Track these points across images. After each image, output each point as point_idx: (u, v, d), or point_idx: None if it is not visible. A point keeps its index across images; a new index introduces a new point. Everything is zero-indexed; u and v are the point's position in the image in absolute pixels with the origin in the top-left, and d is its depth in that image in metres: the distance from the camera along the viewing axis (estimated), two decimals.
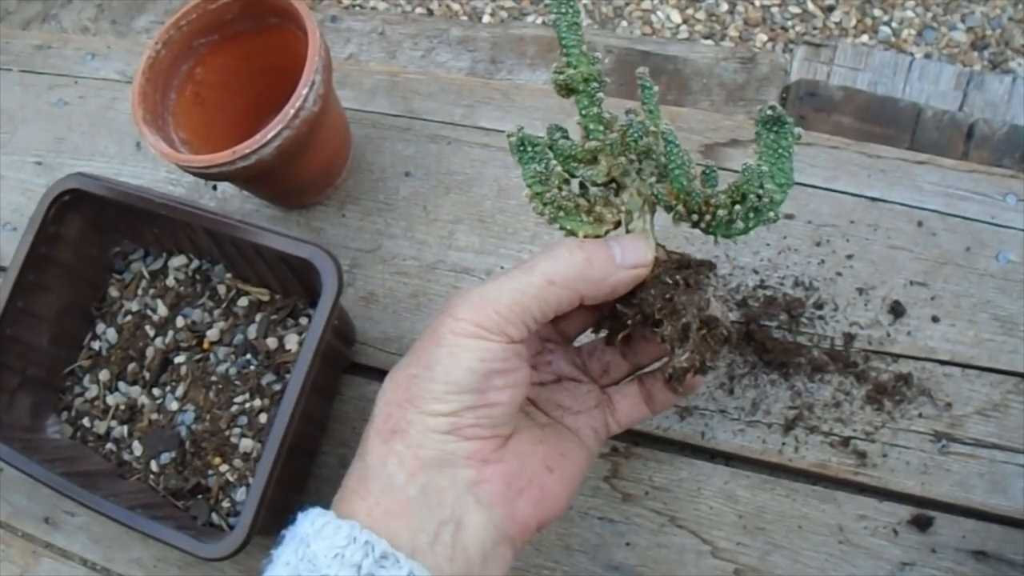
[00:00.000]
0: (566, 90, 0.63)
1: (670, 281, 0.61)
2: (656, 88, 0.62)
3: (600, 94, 0.62)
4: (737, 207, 0.60)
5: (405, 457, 0.55)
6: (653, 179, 0.62)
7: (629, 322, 0.63)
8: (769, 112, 0.59)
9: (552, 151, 0.62)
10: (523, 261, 0.59)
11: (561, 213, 0.62)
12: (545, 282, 0.57)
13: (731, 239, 0.63)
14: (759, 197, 0.59)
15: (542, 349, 0.69)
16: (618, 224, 0.63)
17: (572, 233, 0.62)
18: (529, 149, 0.62)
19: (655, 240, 0.62)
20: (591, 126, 0.62)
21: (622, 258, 0.59)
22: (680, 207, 0.62)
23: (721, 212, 0.61)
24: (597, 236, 0.62)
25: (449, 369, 0.55)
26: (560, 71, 0.62)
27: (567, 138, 0.63)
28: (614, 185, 0.63)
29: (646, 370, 0.71)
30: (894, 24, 2.07)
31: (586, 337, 0.71)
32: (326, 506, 0.85)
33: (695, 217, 0.62)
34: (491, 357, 0.56)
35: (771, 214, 0.61)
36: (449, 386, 0.55)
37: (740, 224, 0.61)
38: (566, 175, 0.63)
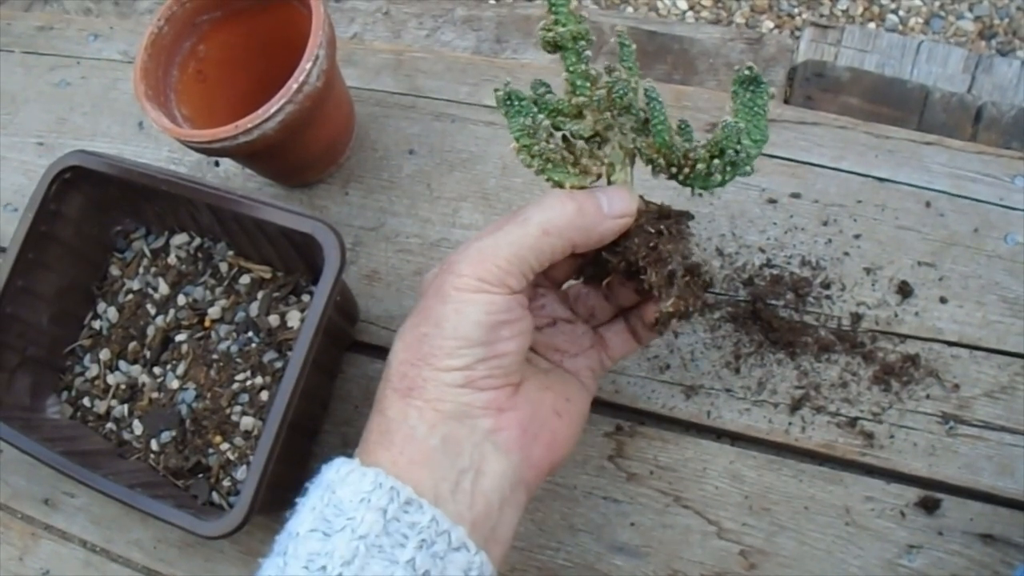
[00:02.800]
0: (553, 47, 0.64)
1: (652, 231, 0.64)
2: (633, 46, 0.65)
3: (588, 52, 0.64)
4: (715, 161, 0.64)
5: (425, 411, 0.57)
6: (633, 134, 0.65)
7: (612, 268, 0.65)
8: (747, 72, 0.63)
9: (538, 106, 0.64)
10: (514, 213, 0.61)
11: (549, 165, 0.63)
12: (540, 232, 0.59)
13: (708, 191, 0.66)
14: (736, 152, 0.63)
15: (534, 295, 0.70)
16: (600, 176, 0.66)
17: (559, 184, 0.63)
18: (516, 103, 0.64)
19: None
20: (578, 82, 0.64)
21: (609, 207, 0.62)
22: (661, 160, 0.65)
23: (700, 166, 0.64)
24: (582, 187, 0.63)
25: (458, 325, 0.57)
26: (548, 28, 0.64)
27: (551, 93, 0.65)
28: (597, 139, 0.65)
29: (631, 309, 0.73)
30: (901, 12, 2.07)
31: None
32: None
33: (674, 170, 0.66)
34: (496, 309, 0.57)
35: (747, 168, 0.64)
36: (459, 341, 0.57)
37: (718, 177, 0.65)
38: (553, 128, 0.64)
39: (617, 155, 0.65)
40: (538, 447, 0.61)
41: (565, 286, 0.74)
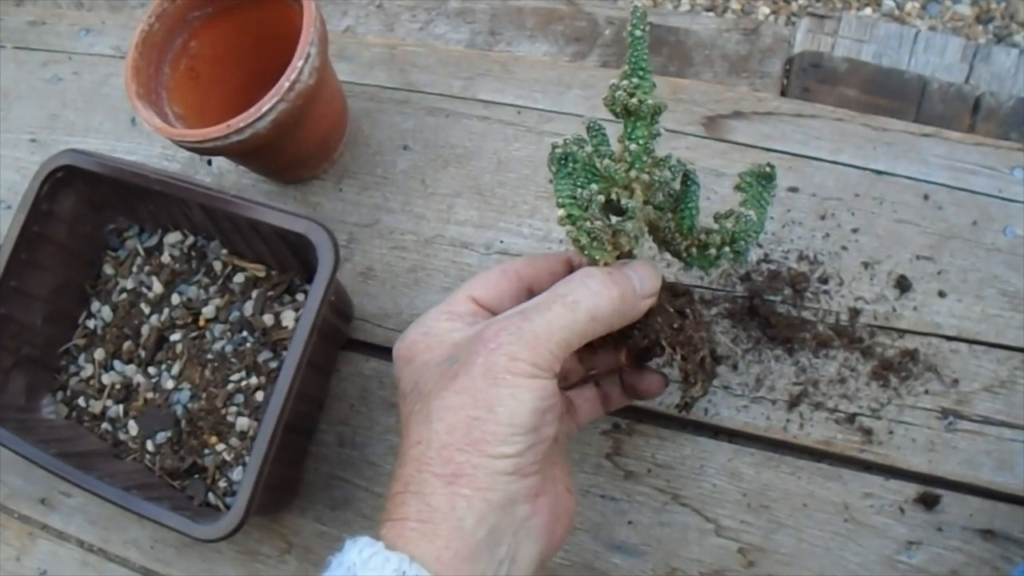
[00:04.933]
0: (626, 112, 0.62)
1: (671, 310, 0.65)
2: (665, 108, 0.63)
3: (660, 127, 0.63)
4: (726, 249, 0.64)
5: (473, 500, 0.55)
6: (663, 211, 0.65)
7: (633, 343, 0.66)
8: (768, 170, 0.63)
9: (588, 172, 0.62)
10: (558, 292, 0.59)
11: (595, 244, 0.61)
12: (589, 319, 0.58)
13: (704, 269, 0.67)
14: (746, 243, 0.64)
15: None
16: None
17: (594, 260, 0.62)
18: (570, 165, 0.62)
19: None
20: (644, 157, 0.62)
21: (641, 288, 0.61)
22: (679, 239, 0.65)
23: (712, 251, 0.64)
24: (607, 263, 0.62)
25: (514, 411, 0.55)
26: (631, 93, 0.61)
27: (606, 145, 0.64)
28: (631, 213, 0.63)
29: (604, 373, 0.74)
30: None
31: None
32: (327, 488, 0.84)
33: (681, 247, 0.66)
34: (546, 395, 0.56)
35: (747, 257, 0.68)
36: (515, 428, 0.55)
37: (722, 261, 0.66)
38: (604, 202, 0.62)
39: (641, 228, 0.63)
40: (559, 527, 0.61)
41: None
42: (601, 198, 0.61)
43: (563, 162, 0.61)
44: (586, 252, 0.61)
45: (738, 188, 0.65)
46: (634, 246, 0.63)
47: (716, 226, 0.64)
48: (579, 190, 0.61)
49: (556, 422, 0.59)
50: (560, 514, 0.61)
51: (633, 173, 0.62)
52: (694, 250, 0.65)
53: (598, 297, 0.58)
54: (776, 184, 0.64)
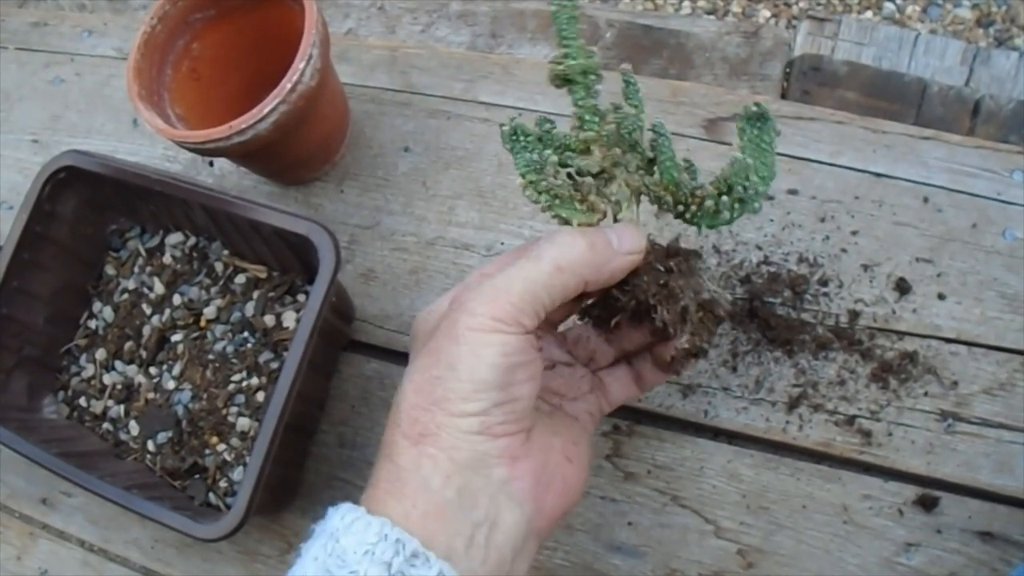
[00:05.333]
0: (563, 81, 0.63)
1: (662, 268, 0.64)
2: (638, 84, 0.64)
3: (598, 86, 0.63)
4: (724, 198, 0.63)
5: (439, 460, 0.54)
6: (639, 172, 0.65)
7: (621, 307, 0.64)
8: (755, 109, 0.62)
9: (543, 142, 0.64)
10: (525, 249, 0.59)
11: (556, 201, 0.62)
12: (553, 269, 0.57)
13: (715, 228, 0.65)
14: (744, 188, 0.62)
15: None
16: (606, 214, 0.64)
17: (566, 221, 0.62)
18: (522, 139, 0.63)
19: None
20: (587, 117, 0.63)
21: (619, 244, 0.60)
22: (668, 198, 0.65)
23: (708, 203, 0.64)
24: (589, 224, 0.62)
25: (474, 367, 0.55)
26: (558, 62, 0.63)
27: (557, 129, 0.65)
28: (604, 176, 0.64)
29: (635, 353, 0.73)
30: (898, 0, 2.06)
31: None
32: (327, 488, 0.84)
33: (680, 208, 0.65)
34: (511, 350, 0.55)
35: (755, 204, 0.63)
36: (476, 384, 0.55)
37: (726, 214, 0.64)
38: (559, 165, 0.63)
39: (624, 193, 0.64)
40: (551, 496, 0.60)
41: (562, 328, 0.73)
42: (555, 158, 0.62)
43: (514, 137, 0.63)
44: (553, 212, 0.62)
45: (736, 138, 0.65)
46: (618, 211, 0.64)
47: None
48: (532, 156, 0.62)
49: (532, 382, 0.57)
50: (551, 482, 0.60)
51: (582, 134, 0.63)
52: (694, 208, 0.64)
53: (563, 248, 0.58)
54: (773, 123, 0.62)
